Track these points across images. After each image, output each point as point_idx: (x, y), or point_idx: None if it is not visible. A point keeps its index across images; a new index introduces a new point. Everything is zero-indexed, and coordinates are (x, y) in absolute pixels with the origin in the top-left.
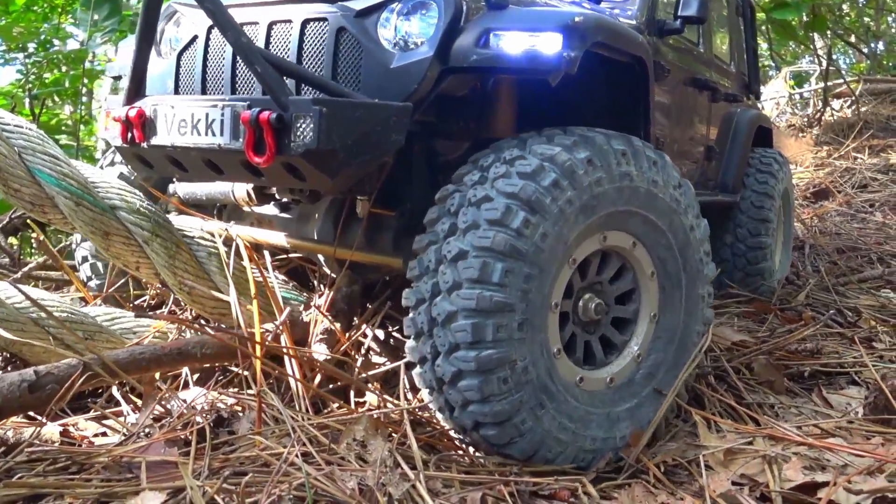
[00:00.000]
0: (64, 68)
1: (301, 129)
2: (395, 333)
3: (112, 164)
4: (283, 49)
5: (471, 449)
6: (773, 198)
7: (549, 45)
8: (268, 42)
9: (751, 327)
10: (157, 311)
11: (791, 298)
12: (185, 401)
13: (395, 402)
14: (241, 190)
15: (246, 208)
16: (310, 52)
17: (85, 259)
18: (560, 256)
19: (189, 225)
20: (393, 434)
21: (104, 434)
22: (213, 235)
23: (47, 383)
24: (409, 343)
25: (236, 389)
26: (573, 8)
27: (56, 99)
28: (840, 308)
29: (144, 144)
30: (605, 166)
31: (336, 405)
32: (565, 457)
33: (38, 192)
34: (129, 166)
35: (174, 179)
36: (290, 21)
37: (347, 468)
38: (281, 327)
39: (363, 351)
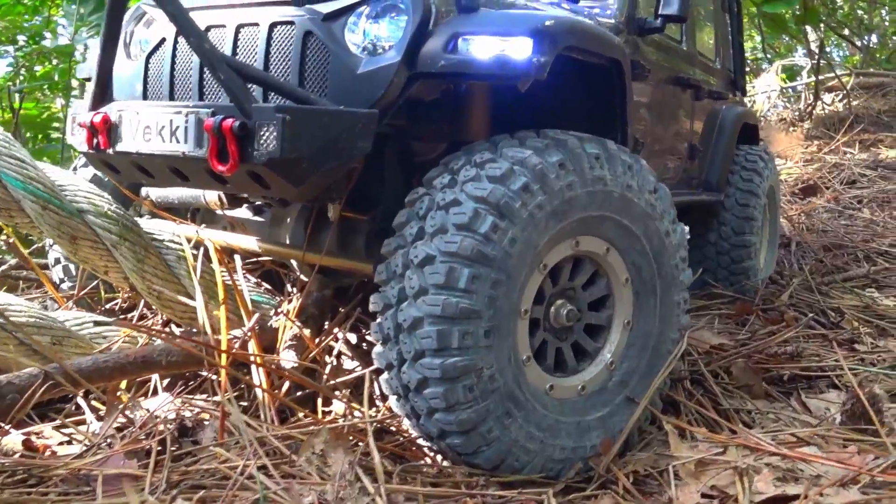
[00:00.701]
0: (55, 61)
1: (264, 138)
2: (368, 337)
3: (86, 165)
4: (251, 53)
5: (439, 457)
6: (758, 196)
7: (519, 49)
8: (235, 45)
9: (732, 329)
10: (122, 318)
11: (774, 299)
12: (148, 410)
13: (363, 409)
14: (212, 194)
15: (218, 212)
16: (277, 56)
17: (57, 261)
18: (530, 262)
19: (159, 228)
20: (359, 443)
21: (69, 442)
22: (182, 239)
23: (8, 393)
24: (377, 349)
25: (206, 395)
26: (547, 10)
27: (48, 92)
28: (823, 308)
29: (110, 151)
30: (578, 170)
31: (303, 414)
32: (533, 466)
33: (4, 195)
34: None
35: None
36: (257, 24)
37: (307, 481)
38: (249, 334)
39: (334, 356)
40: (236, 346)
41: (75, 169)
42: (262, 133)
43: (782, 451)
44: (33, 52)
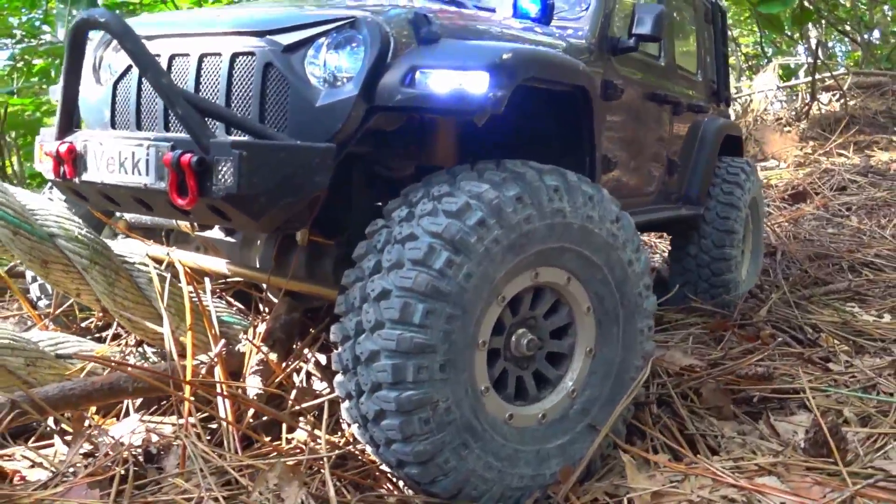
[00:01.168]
0: (50, 58)
1: (222, 173)
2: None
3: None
4: (214, 83)
5: (401, 484)
6: (738, 208)
7: (476, 84)
8: (199, 75)
9: (706, 347)
10: (96, 336)
11: (753, 314)
12: (113, 437)
13: (327, 436)
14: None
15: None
16: (238, 87)
17: (34, 279)
18: (486, 295)
19: (130, 251)
20: (321, 470)
21: (40, 465)
22: (153, 261)
23: None
24: (338, 378)
25: (175, 417)
26: (511, 39)
27: (45, 86)
28: (801, 325)
29: (76, 180)
30: (536, 203)
31: (268, 439)
32: (491, 495)
33: None
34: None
35: None
36: (219, 54)
37: None
38: (215, 359)
39: (302, 378)
40: (202, 371)
41: (51, 189)
42: (219, 168)
43: (740, 482)
44: (26, 50)
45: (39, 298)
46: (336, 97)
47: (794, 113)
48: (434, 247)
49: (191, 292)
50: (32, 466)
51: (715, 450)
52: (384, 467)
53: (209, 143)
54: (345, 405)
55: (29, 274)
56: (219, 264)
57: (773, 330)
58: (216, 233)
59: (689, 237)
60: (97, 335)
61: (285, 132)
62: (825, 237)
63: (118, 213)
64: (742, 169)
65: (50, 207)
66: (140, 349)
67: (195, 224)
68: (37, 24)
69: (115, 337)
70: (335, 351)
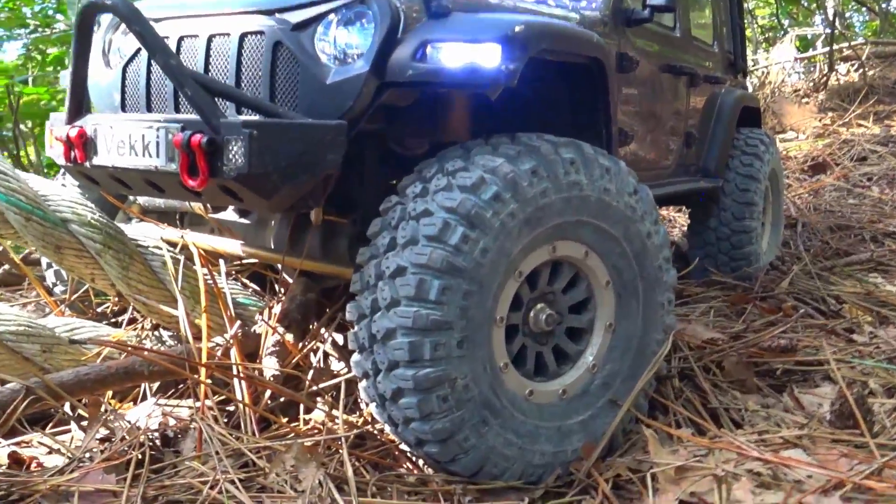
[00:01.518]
0: (64, 46)
1: (232, 153)
2: None
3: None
4: (223, 63)
5: (421, 462)
6: (758, 180)
7: (488, 57)
8: (208, 55)
9: (727, 321)
10: (112, 321)
11: (774, 286)
12: (129, 422)
13: (345, 416)
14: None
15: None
16: (248, 66)
17: (49, 265)
18: (503, 270)
19: (144, 234)
20: (338, 451)
21: (57, 451)
22: (167, 244)
23: None
24: (354, 357)
25: (192, 401)
26: (519, 14)
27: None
28: (823, 296)
29: (87, 164)
30: (552, 176)
31: (286, 420)
32: (512, 473)
33: None
34: (76, 181)
35: None
36: (228, 34)
37: (279, 496)
38: (231, 341)
39: (320, 358)
40: (218, 354)
41: (63, 176)
42: (230, 148)
43: (765, 456)
44: (39, 40)
45: (55, 285)
46: (347, 74)
47: (811, 84)
48: (449, 222)
49: (205, 275)
50: (49, 453)
51: (739, 423)
52: (403, 446)
53: (219, 124)
54: (362, 384)
55: (44, 261)
56: (233, 246)
57: (796, 302)
58: (230, 215)
59: (708, 210)
60: (113, 320)
61: (296, 111)
62: (846, 208)
63: (131, 197)
64: (761, 140)
65: (62, 193)
66: (156, 333)
67: (208, 206)
68: (50, 12)
69: (131, 321)
70: (351, 330)
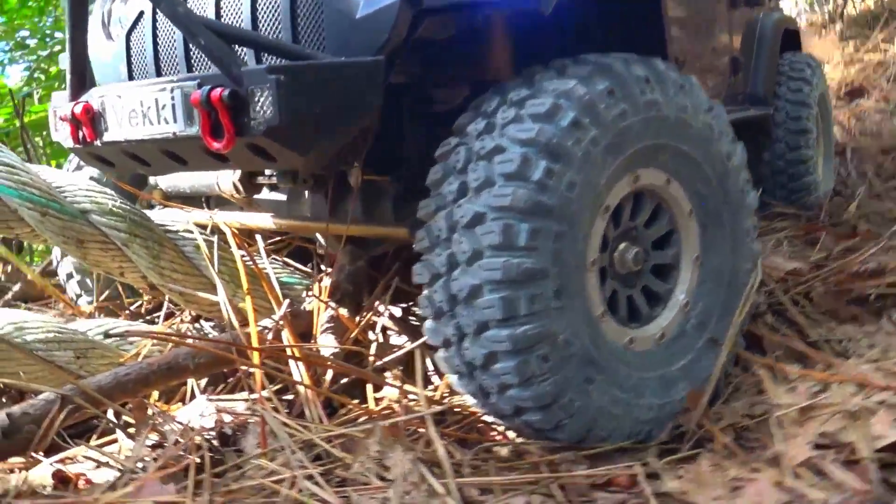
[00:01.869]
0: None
1: (259, 105)
2: (415, 309)
3: (79, 167)
4: (236, 6)
5: (510, 433)
6: (809, 106)
7: None
8: (218, 5)
9: (803, 251)
10: (147, 319)
11: (841, 212)
12: (181, 423)
13: (417, 393)
14: (226, 181)
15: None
16: (265, 10)
17: (70, 276)
18: (591, 206)
19: (172, 219)
20: (419, 430)
21: (106, 464)
22: (194, 228)
23: (24, 424)
24: (428, 324)
25: (246, 393)
26: None
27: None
28: None
29: (97, 142)
30: (629, 96)
31: (352, 405)
32: (620, 432)
33: None
34: (88, 165)
35: None
36: None
37: (366, 490)
38: (281, 322)
39: (378, 332)
40: (268, 338)
41: (68, 171)
42: (255, 100)
43: (894, 385)
44: (41, 60)
45: (79, 296)
46: (378, 5)
47: (827, 16)
48: (528, 156)
49: (243, 255)
50: (97, 467)
51: (843, 355)
52: (488, 418)
53: (241, 73)
54: (441, 354)
55: (62, 272)
56: (269, 220)
57: (869, 225)
58: (262, 194)
59: (760, 143)
60: (148, 318)
61: (324, 52)
62: (894, 128)
63: (152, 182)
64: (807, 64)
65: (79, 182)
66: (196, 325)
67: (240, 188)
68: (47, 32)
69: (169, 316)
70: (423, 293)
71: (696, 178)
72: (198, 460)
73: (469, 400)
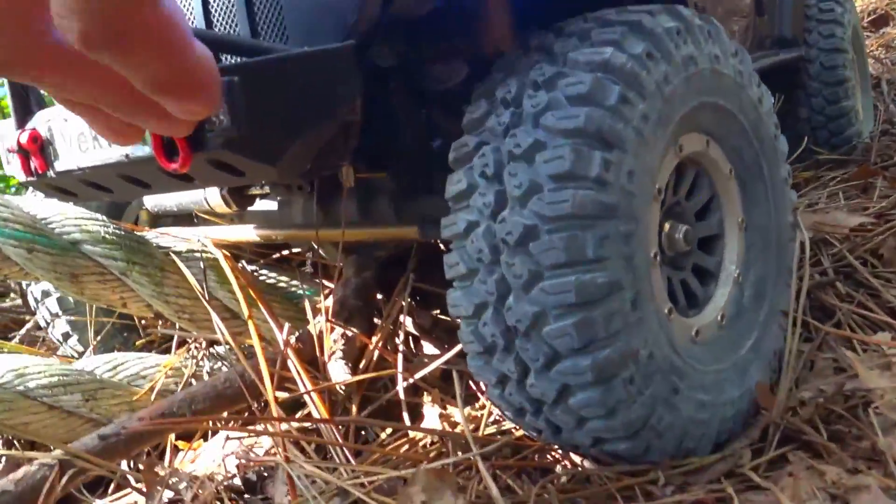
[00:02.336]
0: None
1: (214, 113)
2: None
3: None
4: (187, 5)
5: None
6: (844, 51)
7: None
8: None
9: (860, 202)
10: (148, 368)
11: (892, 153)
12: (196, 476)
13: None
14: (214, 196)
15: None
16: (218, 3)
17: (56, 315)
18: (649, 193)
19: (173, 240)
20: (469, 469)
21: None
22: (202, 245)
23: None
24: (475, 363)
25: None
26: None
27: None
28: None
29: (51, 173)
30: (667, 56)
31: (387, 432)
32: (709, 438)
33: None
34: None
35: None
36: None
37: None
38: (286, 350)
39: (400, 346)
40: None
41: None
42: None
43: None
44: None
45: (68, 336)
46: None
47: None
48: (579, 149)
49: (246, 274)
50: None
51: None
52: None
53: None
54: (496, 392)
55: (41, 314)
56: (255, 233)
57: None
58: (255, 205)
59: (794, 98)
60: (162, 347)
61: (287, 44)
62: None
63: (134, 204)
64: (836, 1)
65: (67, 211)
66: (212, 350)
67: (230, 202)
68: None
69: (181, 344)
70: (464, 328)
71: (732, 133)
72: None
73: (533, 434)
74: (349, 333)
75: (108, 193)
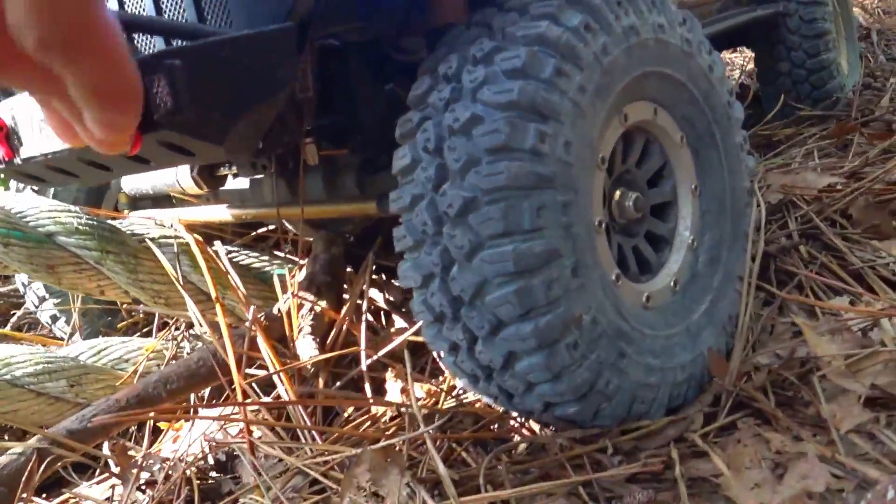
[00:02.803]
0: None
1: (158, 95)
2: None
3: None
4: None
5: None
6: (823, 3)
7: None
8: None
9: (836, 160)
10: (132, 351)
11: (874, 107)
12: (168, 458)
13: (424, 386)
14: (185, 176)
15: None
16: None
17: (43, 299)
18: (589, 162)
19: (146, 227)
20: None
21: (109, 500)
22: (175, 231)
23: None
24: (429, 332)
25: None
26: None
27: None
28: None
29: (17, 160)
30: (606, 27)
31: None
32: (660, 403)
33: None
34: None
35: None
36: None
37: None
38: (254, 328)
39: (363, 322)
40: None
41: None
42: (153, 90)
43: None
44: None
45: (56, 318)
46: None
47: None
48: (514, 122)
49: (209, 256)
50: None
51: (890, 280)
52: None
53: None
54: (450, 360)
55: (30, 298)
56: (226, 212)
57: None
58: (228, 184)
59: (775, 53)
60: (145, 329)
61: (231, 27)
62: None
63: (116, 189)
64: None
65: (39, 204)
66: (192, 332)
67: (200, 183)
68: None
69: (163, 327)
70: (415, 298)
71: (682, 101)
72: (189, 494)
73: (487, 400)
74: (317, 309)
75: (74, 178)
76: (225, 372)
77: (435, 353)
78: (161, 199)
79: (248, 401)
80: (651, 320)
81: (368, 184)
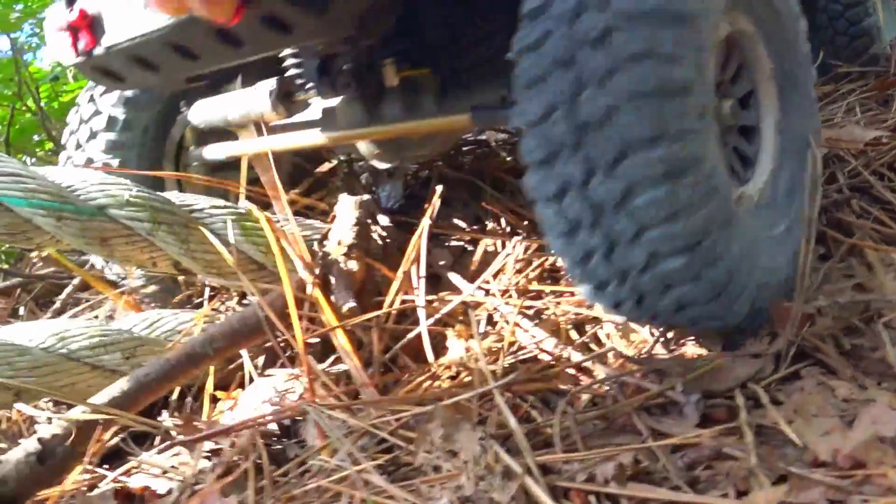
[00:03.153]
0: None
1: None
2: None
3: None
4: None
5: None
6: None
7: None
8: None
9: (878, 114)
10: (184, 322)
11: None
12: (232, 426)
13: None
14: (262, 100)
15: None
16: None
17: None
18: (713, 39)
19: (195, 198)
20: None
21: (175, 467)
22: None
23: (55, 446)
24: (558, 241)
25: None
26: None
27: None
28: None
29: (98, 49)
30: None
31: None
32: (748, 296)
33: (10, 219)
34: (98, 84)
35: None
36: None
37: (436, 480)
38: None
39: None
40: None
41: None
42: None
43: None
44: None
45: (124, 277)
46: None
47: None
48: (652, 28)
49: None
50: (164, 473)
51: None
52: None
53: None
54: (578, 270)
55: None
56: (314, 136)
57: None
58: (298, 117)
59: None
60: (197, 301)
61: None
62: None
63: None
64: None
65: (89, 177)
66: (244, 303)
67: (279, 107)
68: None
69: (213, 297)
70: (544, 211)
71: (777, 34)
72: (257, 462)
73: (614, 310)
74: (349, 266)
75: (154, 73)
76: (271, 328)
77: (561, 261)
78: (226, 136)
79: (311, 365)
80: (741, 217)
81: (449, 104)
